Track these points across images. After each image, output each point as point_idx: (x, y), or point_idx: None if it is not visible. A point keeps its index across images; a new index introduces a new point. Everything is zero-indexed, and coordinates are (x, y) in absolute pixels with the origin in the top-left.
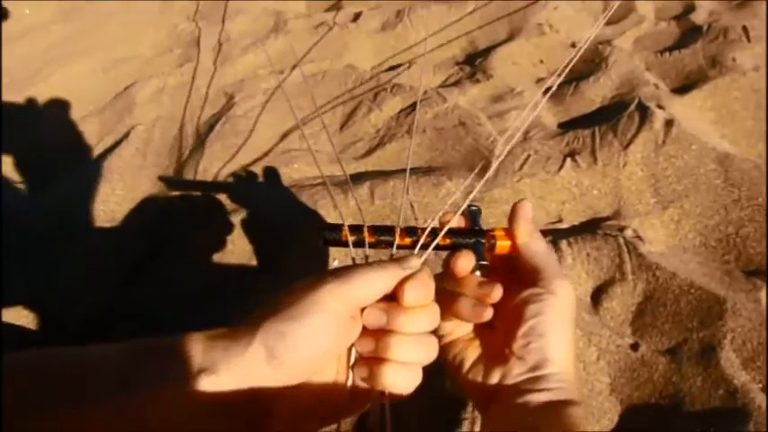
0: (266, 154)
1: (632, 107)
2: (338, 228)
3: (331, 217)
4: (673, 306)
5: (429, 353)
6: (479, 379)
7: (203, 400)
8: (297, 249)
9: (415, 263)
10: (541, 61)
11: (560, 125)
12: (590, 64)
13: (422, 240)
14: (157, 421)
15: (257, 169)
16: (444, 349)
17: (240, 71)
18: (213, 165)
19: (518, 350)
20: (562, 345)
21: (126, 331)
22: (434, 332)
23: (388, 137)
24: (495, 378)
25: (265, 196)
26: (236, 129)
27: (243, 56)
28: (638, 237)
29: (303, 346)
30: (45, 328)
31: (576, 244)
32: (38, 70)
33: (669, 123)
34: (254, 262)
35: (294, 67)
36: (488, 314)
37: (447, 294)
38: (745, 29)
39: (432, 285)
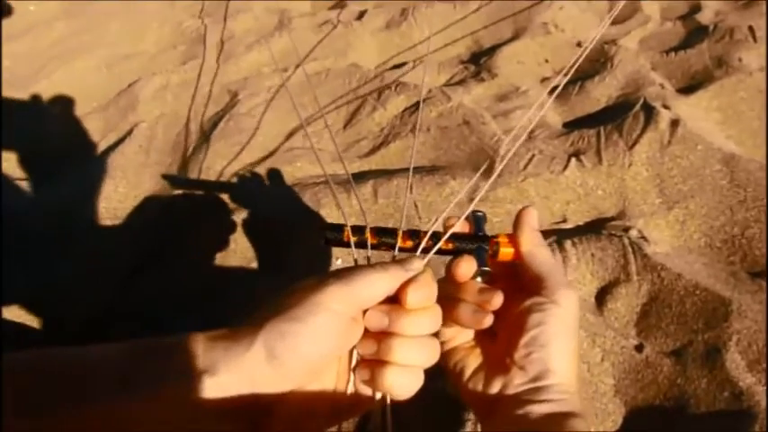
0: (270, 152)
1: (637, 107)
2: (340, 228)
3: (334, 216)
4: (678, 307)
5: (431, 355)
6: (480, 388)
7: (203, 400)
8: (299, 249)
9: (417, 265)
10: (546, 60)
11: (565, 125)
12: (595, 63)
13: (423, 243)
14: (157, 421)
15: (260, 168)
16: (445, 356)
17: (244, 69)
18: (216, 163)
19: (519, 360)
20: (564, 355)
21: (126, 331)
22: (435, 336)
23: (392, 136)
24: (495, 387)
25: (268, 195)
26: (240, 127)
27: (247, 53)
28: (643, 237)
29: (304, 347)
30: (45, 328)
31: (580, 244)
32: (41, 67)
33: (675, 123)
34: (255, 262)
35: (298, 65)
36: (488, 321)
37: (448, 300)
38: (751, 29)
39: (434, 288)
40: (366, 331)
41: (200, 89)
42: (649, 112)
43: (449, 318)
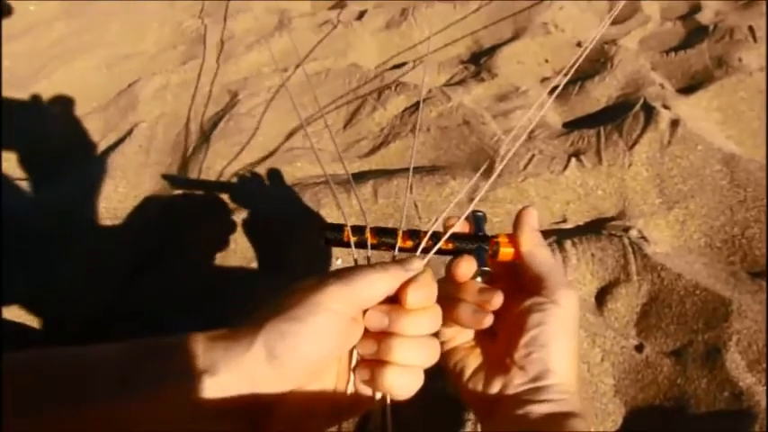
0: (270, 152)
1: (637, 107)
2: (340, 228)
3: (334, 216)
4: (678, 307)
5: (431, 355)
6: (480, 388)
7: (203, 400)
8: (299, 249)
9: (417, 265)
10: (546, 60)
11: (565, 125)
12: (595, 63)
13: (423, 243)
14: (157, 421)
15: (260, 168)
16: (445, 356)
17: (244, 69)
18: (216, 162)
19: (519, 360)
20: (564, 355)
21: (126, 331)
22: (435, 335)
23: (392, 135)
24: (495, 388)
25: (268, 195)
26: (240, 127)
27: (247, 53)
28: (643, 237)
29: (304, 347)
30: (45, 328)
31: (580, 244)
32: (41, 67)
33: (675, 123)
34: (255, 261)
35: (298, 65)
36: (488, 321)
37: (447, 300)
38: (751, 29)
39: (434, 288)
40: (366, 331)
41: (201, 89)
42: (649, 113)
43: (449, 318)
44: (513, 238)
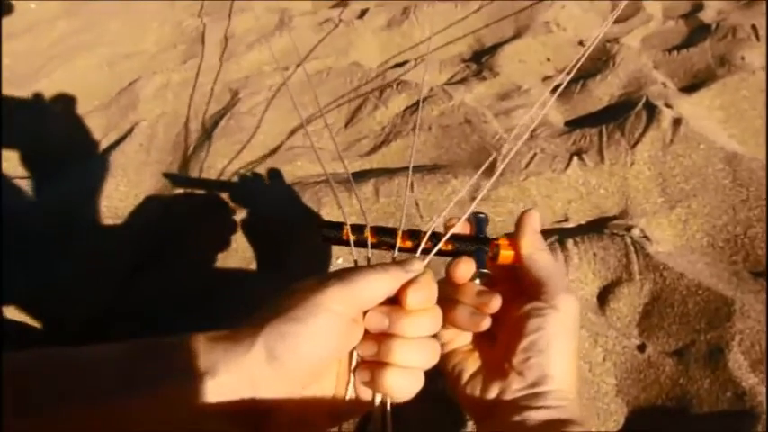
0: (271, 151)
1: (640, 106)
2: (339, 226)
3: (334, 215)
4: (680, 307)
5: (431, 357)
6: (477, 393)
7: (203, 400)
8: (299, 249)
9: (417, 266)
10: (548, 59)
11: (567, 123)
12: (597, 62)
13: (423, 244)
14: (157, 422)
15: (261, 167)
16: (443, 359)
17: (245, 68)
18: (217, 161)
19: (518, 365)
20: (563, 361)
21: (126, 331)
22: (435, 337)
23: (393, 134)
24: (493, 392)
25: (268, 194)
26: (241, 125)
27: (248, 52)
28: (646, 236)
29: (304, 348)
30: (45, 328)
31: (582, 243)
32: (42, 66)
33: (677, 122)
34: (255, 261)
35: (299, 64)
36: (486, 324)
37: (446, 301)
38: (754, 27)
39: (435, 289)
40: (366, 333)
41: (201, 88)
42: (651, 111)
43: (446, 320)
44: (514, 241)
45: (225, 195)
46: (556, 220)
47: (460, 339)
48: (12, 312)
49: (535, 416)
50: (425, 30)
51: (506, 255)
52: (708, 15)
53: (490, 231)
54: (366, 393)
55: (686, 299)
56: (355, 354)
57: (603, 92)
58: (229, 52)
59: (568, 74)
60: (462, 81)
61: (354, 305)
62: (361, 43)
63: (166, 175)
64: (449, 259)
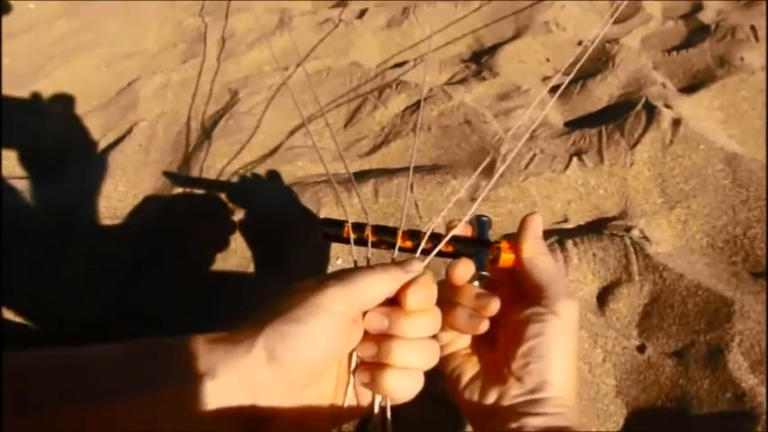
0: (271, 151)
1: (639, 106)
2: (340, 223)
3: (334, 215)
4: (680, 308)
5: (431, 358)
6: (476, 397)
7: (203, 402)
8: (299, 249)
9: (417, 266)
10: (548, 59)
11: (567, 124)
12: (597, 62)
13: (423, 244)
14: (157, 422)
15: (261, 167)
16: (442, 361)
17: (245, 67)
18: (217, 161)
19: (517, 370)
20: (563, 368)
21: (126, 331)
22: (435, 338)
23: (392, 134)
24: (491, 397)
25: (268, 194)
26: (241, 125)
27: (247, 52)
28: (645, 237)
29: (304, 348)
30: (45, 328)
31: (582, 244)
32: (41, 65)
33: (676, 123)
34: (255, 261)
35: (299, 64)
36: (484, 327)
37: (444, 303)
38: (753, 28)
39: (434, 290)
40: (365, 334)
41: (201, 88)
42: (651, 112)
43: (445, 322)
44: (515, 245)
45: (224, 195)
46: (555, 221)
47: (459, 342)
48: (12, 312)
49: (533, 422)
50: (425, 30)
51: (507, 258)
52: (707, 16)
53: (490, 233)
54: (366, 394)
55: (686, 299)
56: (355, 355)
57: (603, 92)
58: (229, 52)
59: (567, 74)
60: (462, 81)
61: (354, 306)
62: (361, 43)
63: (166, 175)
64: (449, 260)
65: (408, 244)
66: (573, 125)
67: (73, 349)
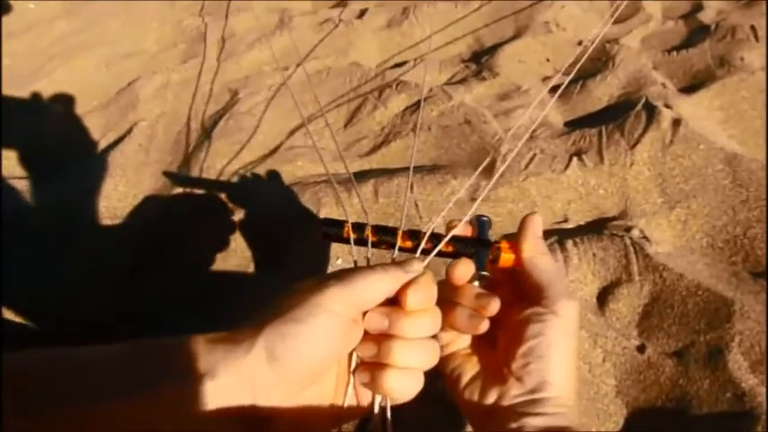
0: (271, 151)
1: (639, 106)
2: (340, 223)
3: (334, 215)
4: (680, 308)
5: (431, 358)
6: (476, 397)
7: (203, 402)
8: (299, 249)
9: (417, 266)
10: (548, 59)
11: (567, 124)
12: (597, 62)
13: (423, 244)
14: (157, 422)
15: (261, 167)
16: (442, 361)
17: (245, 67)
18: (217, 161)
19: (517, 370)
20: (563, 368)
21: (126, 331)
22: (435, 338)
23: (392, 135)
24: (491, 397)
25: (268, 194)
26: (240, 125)
27: (247, 52)
28: (645, 237)
29: (304, 348)
30: (45, 328)
31: (582, 244)
32: (41, 65)
33: (676, 123)
34: (255, 261)
35: (299, 64)
36: (484, 327)
37: (444, 303)
38: (753, 28)
39: (434, 290)
40: (365, 334)
41: (201, 88)
42: (651, 112)
43: (445, 321)
44: (515, 245)
45: (224, 195)
46: (555, 221)
47: (459, 342)
48: (12, 312)
49: (533, 422)
50: (425, 30)
51: (507, 258)
52: (707, 16)
53: (490, 233)
54: (366, 394)
55: (686, 299)
56: (355, 355)
57: (603, 92)
58: (229, 52)
59: (567, 74)
60: (462, 81)
61: (354, 306)
62: (361, 43)
63: (166, 175)
64: (449, 260)
65: (408, 244)
66: (573, 125)
67: (73, 349)
